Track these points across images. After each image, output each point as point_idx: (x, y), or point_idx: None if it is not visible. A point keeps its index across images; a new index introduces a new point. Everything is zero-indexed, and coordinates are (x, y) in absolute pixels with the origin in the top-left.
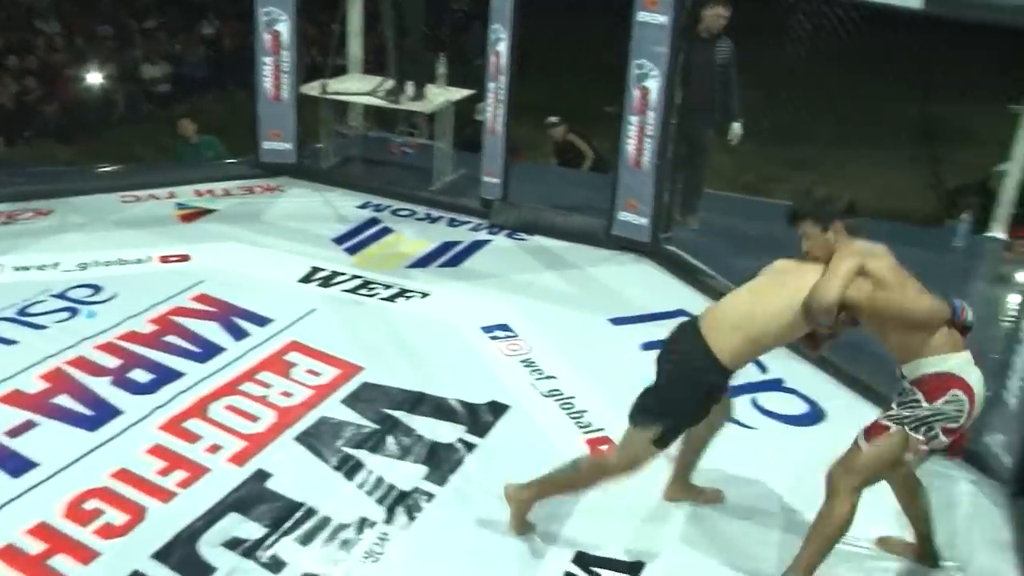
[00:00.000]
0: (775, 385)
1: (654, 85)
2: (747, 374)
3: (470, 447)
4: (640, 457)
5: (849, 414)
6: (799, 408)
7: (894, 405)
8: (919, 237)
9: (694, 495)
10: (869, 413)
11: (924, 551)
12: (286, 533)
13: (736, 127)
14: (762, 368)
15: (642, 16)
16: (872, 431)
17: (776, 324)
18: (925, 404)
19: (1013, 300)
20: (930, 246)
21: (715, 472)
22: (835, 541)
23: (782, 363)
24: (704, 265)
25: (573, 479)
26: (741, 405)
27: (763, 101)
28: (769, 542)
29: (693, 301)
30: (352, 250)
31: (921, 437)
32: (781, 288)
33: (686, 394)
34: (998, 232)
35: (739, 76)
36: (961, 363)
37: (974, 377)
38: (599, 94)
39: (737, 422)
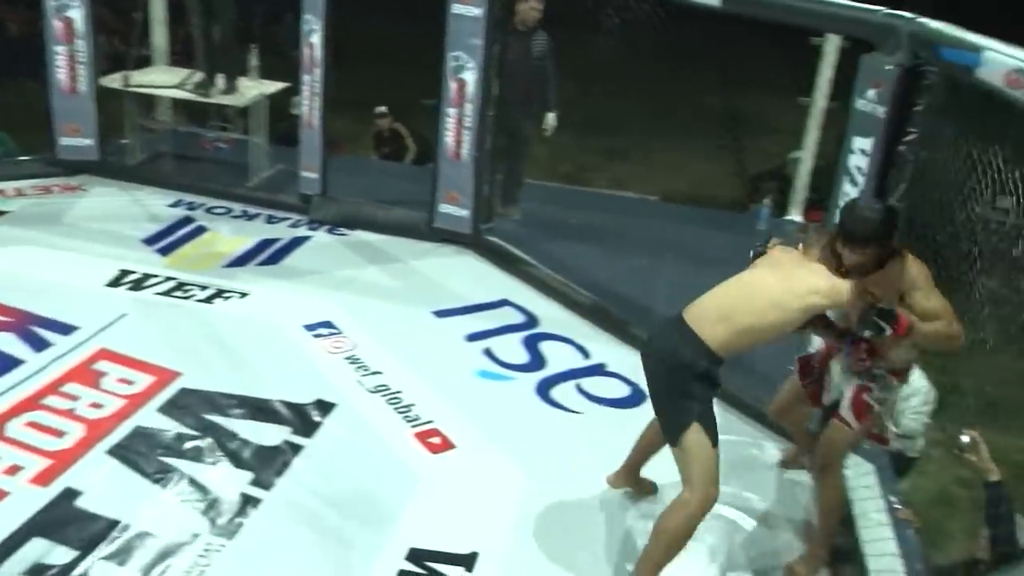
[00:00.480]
0: (598, 370)
1: (471, 77)
2: (570, 360)
3: (297, 449)
4: (710, 465)
5: None
6: (622, 391)
7: (874, 387)
8: (727, 221)
9: (636, 485)
10: None
11: None
12: (100, 554)
13: (551, 118)
14: (585, 353)
15: (457, 8)
16: (858, 409)
17: (763, 320)
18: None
19: None
20: (737, 230)
21: (544, 457)
22: (840, 510)
23: (604, 347)
24: (526, 255)
25: (669, 543)
26: (565, 390)
27: (577, 92)
28: (600, 524)
29: (516, 291)
30: (164, 251)
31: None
32: (774, 281)
33: (687, 386)
34: (795, 215)
35: (556, 68)
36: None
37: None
38: (417, 87)
39: (562, 407)
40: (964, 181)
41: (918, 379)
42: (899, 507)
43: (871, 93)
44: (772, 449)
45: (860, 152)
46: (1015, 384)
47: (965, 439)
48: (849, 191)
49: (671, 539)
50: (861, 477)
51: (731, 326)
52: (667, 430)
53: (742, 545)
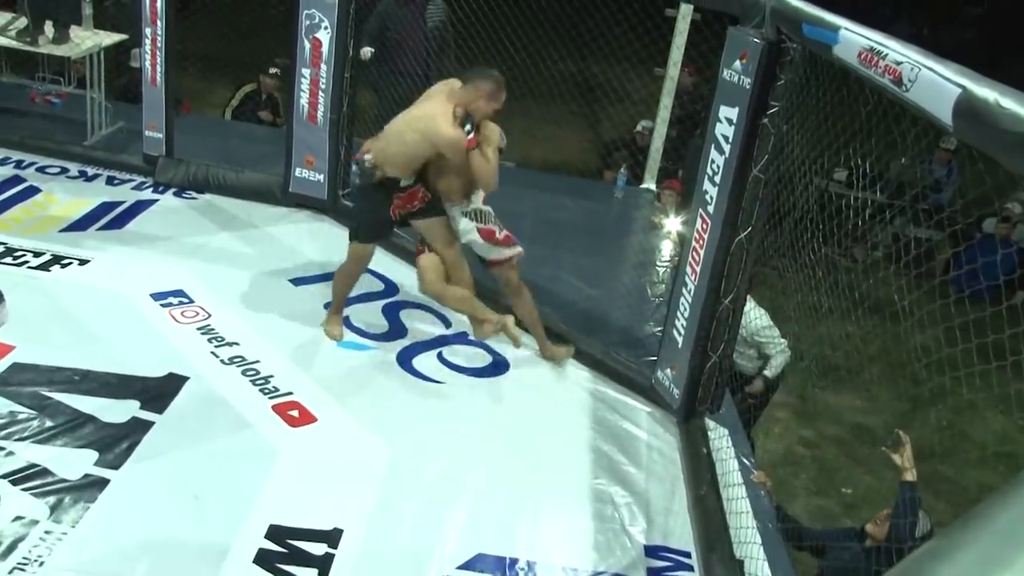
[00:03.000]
0: (459, 338)
1: (326, 37)
2: (431, 328)
3: (147, 426)
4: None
5: (529, 363)
6: (483, 360)
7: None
8: (584, 189)
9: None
10: (548, 363)
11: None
12: None
13: None
14: (446, 322)
15: None
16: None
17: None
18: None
19: (666, 245)
20: (595, 197)
21: (407, 429)
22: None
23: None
24: None
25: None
26: (428, 360)
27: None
28: (466, 496)
29: (375, 258)
30: None
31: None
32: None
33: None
34: (650, 183)
35: (455, 38)
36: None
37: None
38: (269, 45)
39: (425, 377)
40: (808, 153)
41: (757, 310)
42: (753, 472)
43: (737, 64)
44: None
45: (726, 121)
46: (850, 347)
47: (896, 437)
48: (716, 158)
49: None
50: (718, 439)
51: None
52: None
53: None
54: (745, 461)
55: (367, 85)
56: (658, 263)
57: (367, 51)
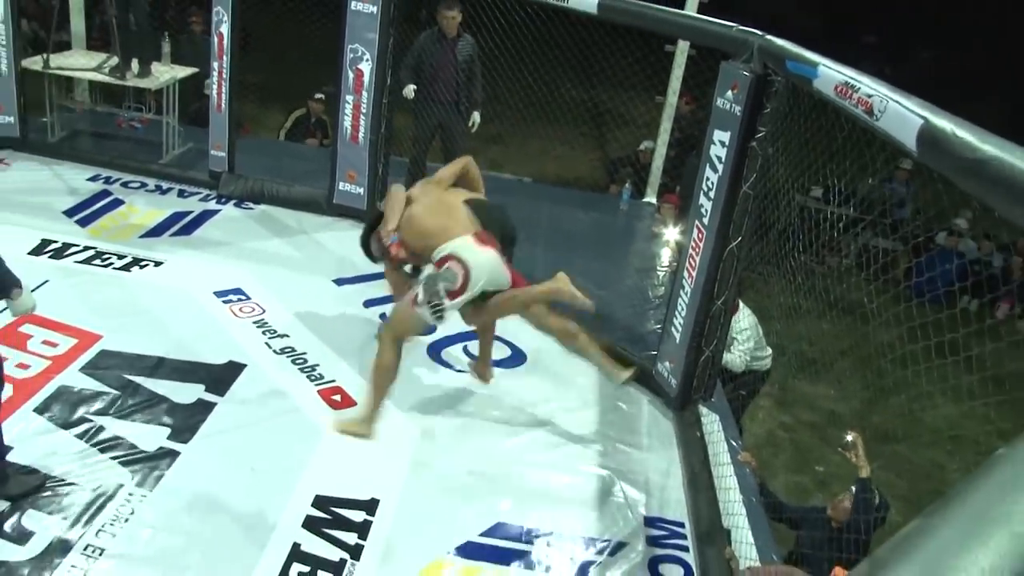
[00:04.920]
0: None
1: (367, 68)
2: (458, 324)
3: (210, 406)
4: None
5: (547, 357)
6: (504, 352)
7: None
8: (592, 202)
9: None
10: (562, 355)
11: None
12: (31, 505)
13: (476, 116)
14: None
15: (355, 5)
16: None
17: None
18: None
19: (665, 252)
20: (603, 209)
21: (435, 412)
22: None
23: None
24: None
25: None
26: (454, 351)
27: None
28: (485, 471)
29: None
30: (84, 222)
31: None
32: None
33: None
34: (651, 198)
35: (481, 71)
36: (455, 246)
37: (469, 255)
38: (318, 76)
39: (451, 367)
40: (789, 173)
41: (747, 318)
42: (740, 452)
43: (729, 94)
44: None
45: (719, 143)
46: (824, 343)
47: (848, 438)
48: (711, 176)
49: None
50: (710, 424)
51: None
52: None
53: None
54: (733, 443)
55: (404, 109)
56: (658, 268)
57: (410, 89)
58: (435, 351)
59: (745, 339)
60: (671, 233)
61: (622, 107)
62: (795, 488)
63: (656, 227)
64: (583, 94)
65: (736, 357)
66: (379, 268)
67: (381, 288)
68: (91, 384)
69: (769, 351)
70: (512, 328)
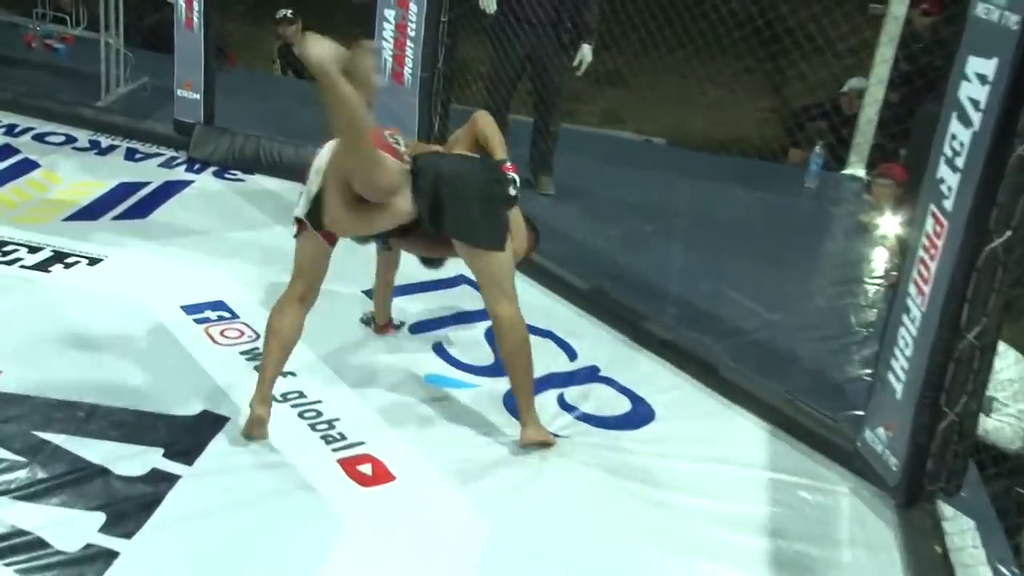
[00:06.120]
0: (588, 375)
1: None
2: (551, 361)
3: (171, 480)
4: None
5: (684, 412)
6: (620, 406)
7: None
8: (761, 175)
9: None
10: (708, 407)
11: None
12: None
13: (586, 50)
14: (570, 352)
15: None
16: None
17: None
18: None
19: (879, 255)
20: (776, 186)
21: (515, 498)
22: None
23: (596, 344)
24: None
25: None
26: (544, 403)
27: None
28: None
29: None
30: None
31: None
32: None
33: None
34: (857, 169)
35: None
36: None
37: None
38: None
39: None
40: None
41: (1017, 363)
42: None
43: None
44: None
45: (977, 79)
46: None
47: None
48: (960, 132)
49: (525, 359)
50: (959, 533)
51: None
52: (486, 238)
53: None
54: (1003, 569)
55: (476, 31)
56: (867, 279)
57: None
58: (514, 402)
59: (1015, 395)
60: (889, 224)
61: (813, 23)
62: None
63: (865, 215)
64: (749, 5)
65: (1005, 426)
66: (430, 273)
67: (436, 304)
68: None
69: None
70: (632, 367)
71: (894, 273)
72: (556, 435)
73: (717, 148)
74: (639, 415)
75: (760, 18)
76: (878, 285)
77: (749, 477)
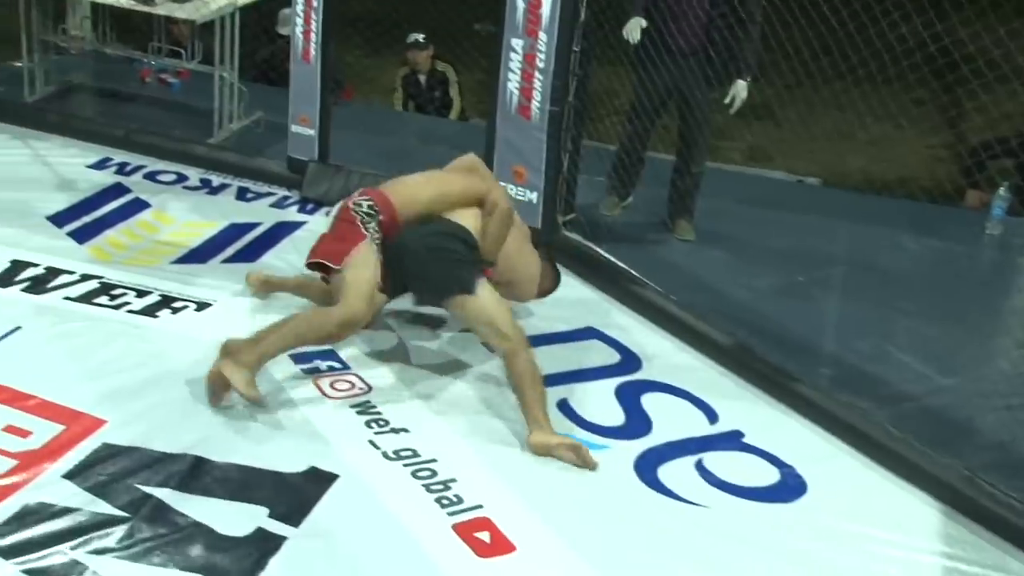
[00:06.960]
0: (731, 440)
1: None
2: (690, 424)
3: (277, 542)
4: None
5: (840, 483)
6: (767, 476)
7: None
8: (934, 219)
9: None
10: (868, 480)
11: None
12: None
13: (741, 86)
14: (711, 415)
15: None
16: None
17: None
18: None
19: None
20: (951, 232)
21: (645, 571)
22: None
23: (740, 406)
24: (624, 263)
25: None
26: (681, 470)
27: None
28: None
29: (609, 316)
30: (82, 236)
31: None
32: None
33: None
34: None
35: (757, 6)
36: None
37: None
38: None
39: (675, 496)
40: None
41: None
42: None
43: None
44: None
45: None
46: None
47: None
48: None
49: (530, 379)
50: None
51: None
52: (445, 291)
53: None
54: None
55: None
56: None
57: (636, 27)
58: (648, 468)
59: None
60: None
61: (994, 48)
62: None
63: None
64: (920, 28)
65: None
66: (557, 325)
67: (563, 358)
68: (80, 500)
69: None
70: (780, 431)
71: None
72: (692, 503)
73: (880, 189)
74: (789, 487)
75: (933, 42)
76: None
77: (922, 563)
